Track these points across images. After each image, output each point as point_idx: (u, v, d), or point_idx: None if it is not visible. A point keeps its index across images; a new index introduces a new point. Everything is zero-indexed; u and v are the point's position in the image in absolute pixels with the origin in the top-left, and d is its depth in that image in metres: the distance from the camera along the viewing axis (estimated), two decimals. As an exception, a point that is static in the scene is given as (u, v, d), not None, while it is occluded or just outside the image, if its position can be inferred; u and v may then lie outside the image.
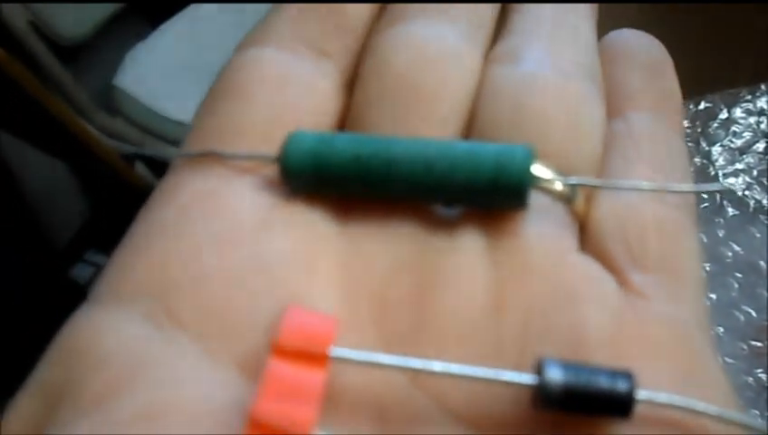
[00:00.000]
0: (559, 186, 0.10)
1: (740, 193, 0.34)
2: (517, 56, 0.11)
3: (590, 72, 0.11)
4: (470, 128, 0.11)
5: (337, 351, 0.08)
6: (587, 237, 0.10)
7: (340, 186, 0.10)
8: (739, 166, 0.34)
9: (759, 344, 0.33)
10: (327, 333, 0.09)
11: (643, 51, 0.12)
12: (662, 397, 0.08)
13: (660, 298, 0.09)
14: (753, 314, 0.34)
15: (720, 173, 0.35)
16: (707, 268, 0.34)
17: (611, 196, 0.10)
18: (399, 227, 0.10)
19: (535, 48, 0.11)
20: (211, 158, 0.10)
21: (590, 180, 0.10)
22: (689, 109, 0.35)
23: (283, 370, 0.08)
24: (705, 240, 0.35)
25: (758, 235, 0.34)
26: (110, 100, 0.47)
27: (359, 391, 0.09)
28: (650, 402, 0.08)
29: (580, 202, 0.10)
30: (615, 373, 0.08)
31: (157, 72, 0.48)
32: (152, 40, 0.49)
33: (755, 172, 0.34)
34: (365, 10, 0.12)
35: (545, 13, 0.12)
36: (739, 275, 0.34)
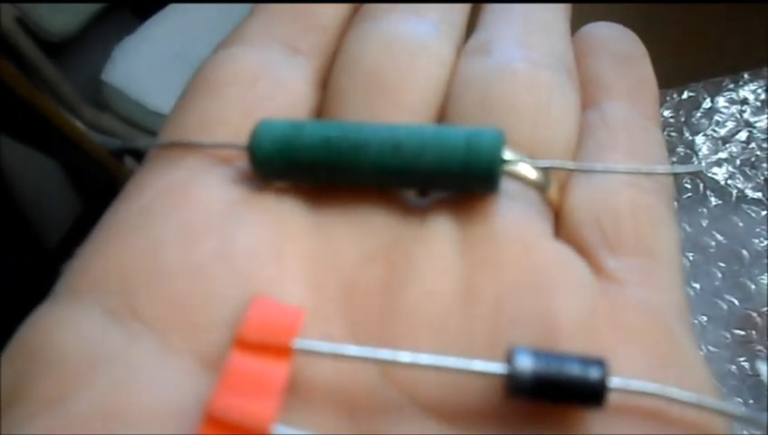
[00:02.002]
0: (531, 172, 0.10)
1: (722, 182, 0.34)
2: (488, 49, 0.11)
3: (561, 63, 0.11)
4: (441, 118, 0.11)
5: (302, 343, 0.08)
6: (561, 225, 0.10)
7: (310, 171, 0.10)
8: (722, 155, 0.34)
9: (742, 333, 0.33)
10: (292, 324, 0.08)
11: (617, 42, 0.12)
12: (636, 384, 0.08)
13: (635, 283, 0.09)
14: (737, 302, 0.34)
15: (703, 163, 0.35)
16: (691, 258, 0.34)
17: (586, 183, 0.10)
18: (370, 217, 0.10)
19: (506, 40, 0.11)
20: (182, 151, 0.10)
21: (561, 163, 0.10)
22: (672, 98, 0.35)
23: (244, 363, 0.08)
24: (688, 230, 0.35)
25: (741, 224, 0.34)
26: (99, 95, 0.46)
27: (326, 384, 0.08)
28: (624, 390, 0.08)
29: (553, 190, 0.10)
30: (587, 361, 0.08)
31: (145, 67, 0.47)
32: (139, 34, 0.48)
33: (738, 161, 0.34)
34: (338, 10, 0.12)
35: (517, 8, 0.12)
36: (722, 264, 0.34)
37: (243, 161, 0.10)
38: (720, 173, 0.34)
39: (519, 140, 0.10)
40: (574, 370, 0.08)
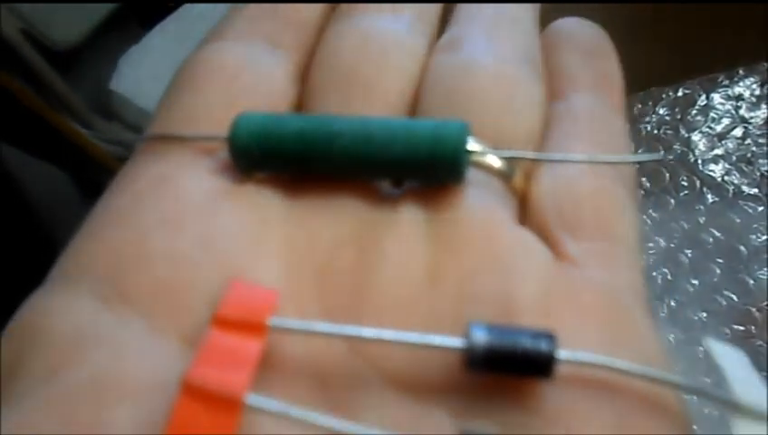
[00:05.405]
0: (495, 162, 0.11)
1: (719, 179, 0.34)
2: (458, 44, 0.12)
3: (528, 57, 0.12)
4: (413, 111, 0.11)
5: (275, 320, 0.09)
6: (526, 212, 0.11)
7: (287, 161, 0.10)
8: (718, 151, 0.35)
9: (741, 329, 0.33)
10: (267, 304, 0.09)
11: (584, 37, 0.13)
12: (583, 356, 0.08)
13: (592, 265, 0.10)
14: (735, 298, 0.34)
15: (699, 159, 0.35)
16: (689, 254, 0.34)
17: (550, 172, 0.11)
18: (344, 204, 0.10)
19: (475, 37, 0.12)
20: (167, 144, 0.11)
21: (523, 153, 0.11)
22: (668, 96, 0.36)
23: (221, 339, 0.09)
24: (686, 227, 0.35)
25: (738, 220, 0.34)
26: (107, 104, 0.47)
27: (299, 359, 0.09)
28: (572, 362, 0.08)
29: (518, 179, 0.11)
30: (537, 334, 0.08)
31: (151, 75, 0.48)
32: (145, 43, 0.48)
33: (734, 158, 0.34)
34: (318, 9, 0.13)
35: (487, 7, 0.12)
36: (720, 260, 0.34)
37: (225, 153, 0.11)
38: (716, 170, 0.35)
39: (484, 130, 0.11)
40: (525, 342, 0.08)
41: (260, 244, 0.10)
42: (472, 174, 0.10)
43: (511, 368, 0.08)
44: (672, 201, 0.35)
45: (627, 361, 0.09)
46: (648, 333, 0.09)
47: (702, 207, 0.35)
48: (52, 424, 0.08)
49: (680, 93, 0.35)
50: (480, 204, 0.10)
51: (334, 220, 0.10)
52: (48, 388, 0.08)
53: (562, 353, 0.08)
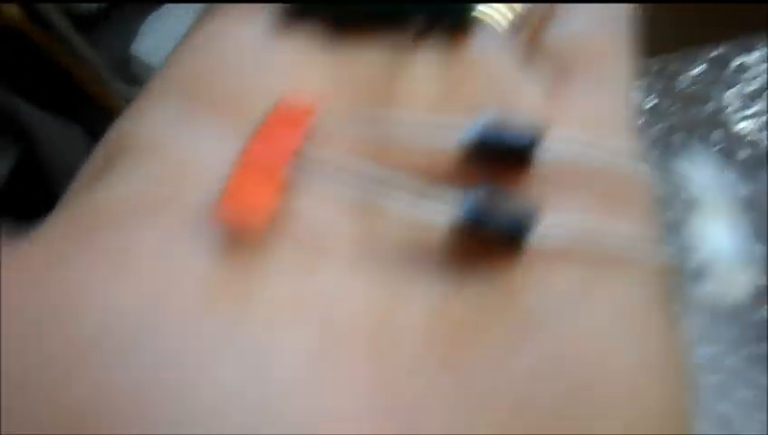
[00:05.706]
0: (507, 17, 0.13)
1: (751, 137, 0.35)
2: None
3: None
4: None
5: (315, 119, 0.11)
6: (534, 58, 0.13)
7: (328, 10, 0.13)
8: (750, 111, 0.36)
9: (770, 282, 0.34)
10: (311, 108, 0.11)
11: None
12: (560, 144, 0.10)
13: (580, 95, 0.12)
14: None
15: (732, 118, 0.36)
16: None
17: (556, 26, 0.13)
18: (375, 46, 0.13)
19: None
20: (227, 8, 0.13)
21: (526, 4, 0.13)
22: (703, 56, 0.37)
23: (273, 129, 0.11)
24: (719, 182, 0.36)
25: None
26: (129, 69, 0.48)
27: (336, 157, 0.11)
28: (549, 149, 0.10)
29: (527, 31, 0.13)
30: (525, 128, 0.10)
31: (173, 40, 0.49)
32: (167, 8, 0.49)
33: (765, 117, 0.35)
34: None
35: None
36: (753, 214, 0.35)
37: (276, 7, 0.13)
38: (748, 128, 0.35)
39: None
40: (513, 132, 0.10)
41: (306, 72, 0.12)
42: (486, 27, 0.13)
43: (501, 153, 0.10)
44: (705, 157, 0.36)
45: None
46: (625, 147, 0.11)
47: (735, 162, 0.36)
48: (139, 196, 0.11)
49: (715, 53, 0.36)
50: (488, 46, 0.12)
51: (367, 57, 0.13)
52: (132, 175, 0.11)
53: (545, 142, 0.10)
